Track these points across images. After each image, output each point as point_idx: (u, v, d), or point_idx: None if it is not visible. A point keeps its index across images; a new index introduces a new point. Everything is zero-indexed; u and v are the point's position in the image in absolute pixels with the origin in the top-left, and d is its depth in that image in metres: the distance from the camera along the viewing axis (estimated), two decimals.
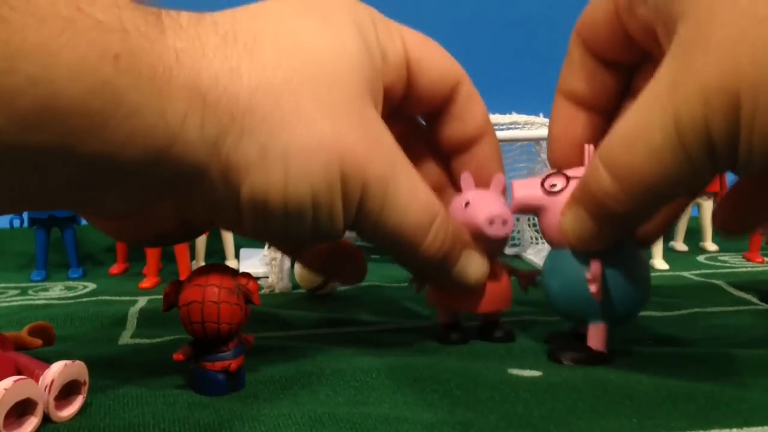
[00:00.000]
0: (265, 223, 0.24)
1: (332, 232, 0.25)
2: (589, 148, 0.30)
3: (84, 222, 0.60)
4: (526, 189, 0.31)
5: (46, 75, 0.18)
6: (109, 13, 0.19)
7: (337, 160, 0.23)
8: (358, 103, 0.25)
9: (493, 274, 0.33)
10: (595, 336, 0.31)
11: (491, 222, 0.30)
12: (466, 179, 0.32)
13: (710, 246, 0.68)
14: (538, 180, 0.31)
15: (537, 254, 0.62)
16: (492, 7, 0.93)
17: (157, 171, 0.21)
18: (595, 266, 0.29)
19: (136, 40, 0.19)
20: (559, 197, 0.30)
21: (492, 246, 0.32)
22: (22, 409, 0.24)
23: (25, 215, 0.58)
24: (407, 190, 0.26)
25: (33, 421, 0.24)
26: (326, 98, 0.24)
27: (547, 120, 0.53)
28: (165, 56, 0.20)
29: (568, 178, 0.30)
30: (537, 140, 0.55)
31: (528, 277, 0.35)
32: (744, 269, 0.58)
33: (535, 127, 0.53)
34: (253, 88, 0.22)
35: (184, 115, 0.21)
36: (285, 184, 0.23)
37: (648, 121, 0.23)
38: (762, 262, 0.60)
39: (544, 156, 0.57)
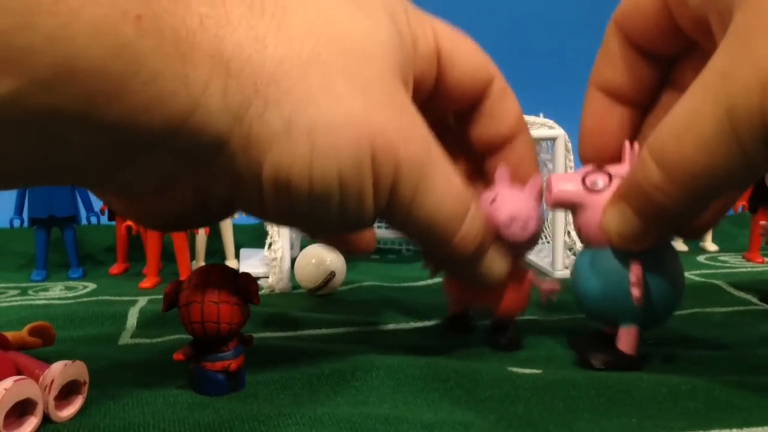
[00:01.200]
0: (289, 206, 0.23)
1: (361, 219, 0.24)
2: (629, 146, 0.29)
3: (84, 222, 0.60)
4: (566, 185, 0.30)
5: (66, 33, 0.17)
6: None
7: (368, 139, 0.22)
8: (390, 82, 0.24)
9: (515, 277, 0.32)
10: (627, 339, 0.30)
11: (511, 222, 0.29)
12: (501, 173, 0.31)
13: (710, 246, 0.68)
14: (577, 175, 0.30)
15: (537, 254, 0.62)
16: (492, 7, 0.93)
17: (177, 141, 0.21)
18: (636, 269, 0.28)
19: (159, 1, 0.19)
20: (599, 195, 0.29)
21: (516, 247, 0.31)
22: (22, 409, 0.24)
23: (25, 215, 0.58)
24: (442, 177, 0.25)
25: (33, 421, 0.24)
26: (357, 74, 0.22)
27: (547, 120, 0.54)
28: (188, 20, 0.19)
29: (610, 176, 0.29)
30: (537, 140, 0.55)
31: (549, 290, 0.34)
32: (744, 269, 0.58)
33: (535, 127, 0.53)
34: (279, 58, 0.21)
35: (206, 82, 0.20)
36: (311, 161, 0.22)
37: (699, 111, 0.22)
38: (762, 263, 0.60)
39: (544, 156, 0.57)
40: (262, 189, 0.22)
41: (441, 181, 0.25)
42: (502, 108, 0.31)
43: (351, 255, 0.34)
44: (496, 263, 0.30)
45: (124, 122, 0.19)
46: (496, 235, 0.30)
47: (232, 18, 0.21)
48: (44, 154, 0.20)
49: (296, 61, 0.21)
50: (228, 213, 0.26)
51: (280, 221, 0.25)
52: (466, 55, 0.29)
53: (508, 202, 0.30)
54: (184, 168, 0.23)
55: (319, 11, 0.23)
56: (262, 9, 0.21)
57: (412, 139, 0.24)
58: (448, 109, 0.32)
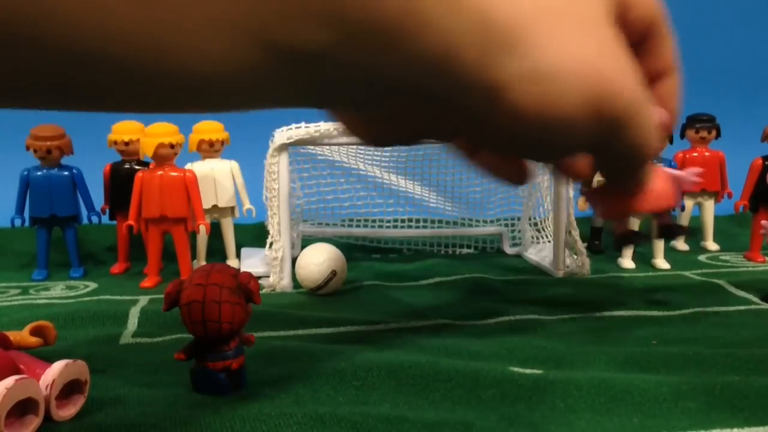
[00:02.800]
0: (520, 139, 0.25)
1: (574, 150, 0.26)
2: None
3: (85, 221, 0.60)
4: None
5: None
6: None
7: (598, 84, 0.24)
8: (608, 23, 0.25)
9: (657, 177, 0.38)
10: None
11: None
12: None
13: (711, 245, 0.67)
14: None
15: (538, 253, 0.62)
16: None
17: (425, 89, 0.22)
18: None
19: None
20: None
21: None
22: (23, 408, 0.24)
23: (26, 215, 0.58)
24: (647, 117, 0.27)
25: (34, 420, 0.24)
26: (586, 18, 0.24)
27: None
28: None
29: None
30: None
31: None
32: (745, 269, 0.58)
33: None
34: (518, 6, 0.22)
35: (464, 33, 0.21)
36: (544, 104, 0.23)
37: None
38: (763, 262, 0.60)
39: None
40: (498, 125, 0.24)
41: (647, 121, 0.27)
42: (663, 47, 0.32)
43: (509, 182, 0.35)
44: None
45: (391, 74, 0.21)
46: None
47: None
48: (315, 92, 0.21)
49: (533, 7, 0.23)
50: (453, 139, 0.29)
51: (503, 150, 0.27)
52: None
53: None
54: (425, 106, 0.24)
55: None
56: None
57: (631, 84, 0.26)
58: None
